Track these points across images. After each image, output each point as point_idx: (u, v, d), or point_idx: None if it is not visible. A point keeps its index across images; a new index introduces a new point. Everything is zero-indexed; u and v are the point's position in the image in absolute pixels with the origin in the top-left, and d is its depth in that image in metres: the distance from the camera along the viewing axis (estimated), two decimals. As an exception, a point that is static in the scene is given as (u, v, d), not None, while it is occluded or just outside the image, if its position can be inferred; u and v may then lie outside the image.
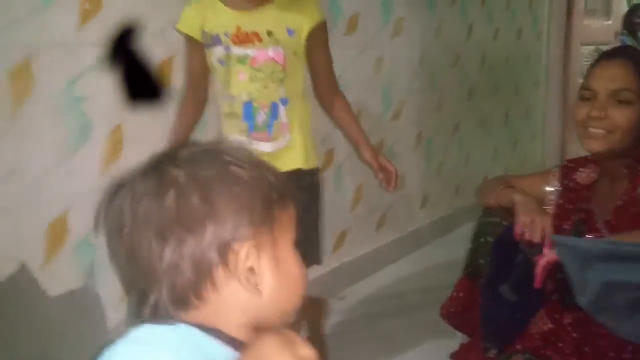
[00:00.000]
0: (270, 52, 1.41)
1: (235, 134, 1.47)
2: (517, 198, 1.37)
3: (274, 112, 1.46)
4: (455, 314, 1.52)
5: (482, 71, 3.30)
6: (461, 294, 1.50)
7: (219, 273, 0.59)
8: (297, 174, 1.48)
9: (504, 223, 1.39)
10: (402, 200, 2.74)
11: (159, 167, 0.61)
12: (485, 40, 3.29)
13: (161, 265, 0.59)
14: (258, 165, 0.64)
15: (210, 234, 0.58)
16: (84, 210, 1.51)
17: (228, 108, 1.47)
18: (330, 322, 2.02)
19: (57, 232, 1.56)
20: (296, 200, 0.66)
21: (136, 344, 0.58)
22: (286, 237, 0.64)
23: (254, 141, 1.45)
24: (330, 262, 2.28)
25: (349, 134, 1.63)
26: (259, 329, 0.61)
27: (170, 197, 0.59)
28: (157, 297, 0.60)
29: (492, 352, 1.35)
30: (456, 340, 1.60)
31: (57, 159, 1.54)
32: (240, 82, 1.43)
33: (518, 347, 1.33)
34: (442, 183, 3.06)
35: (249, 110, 1.45)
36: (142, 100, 1.29)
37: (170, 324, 0.60)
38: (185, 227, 0.58)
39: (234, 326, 0.61)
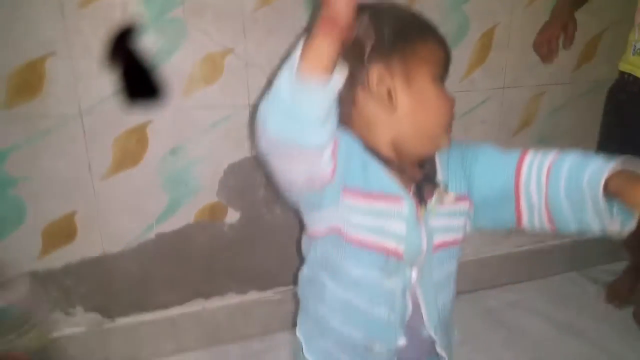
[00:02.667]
0: None
1: None
2: None
3: None
4: None
5: None
6: None
7: (359, 92, 0.70)
8: None
9: None
10: None
11: (367, 10, 0.71)
12: None
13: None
14: (411, 17, 0.72)
15: (356, 57, 0.68)
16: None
17: None
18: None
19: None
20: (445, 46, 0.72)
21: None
22: (424, 69, 0.70)
23: None
24: None
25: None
26: (403, 150, 0.71)
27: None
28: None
29: None
30: None
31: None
32: None
33: None
34: None
35: None
36: (142, 99, 1.25)
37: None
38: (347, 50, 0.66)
39: (382, 144, 0.71)
